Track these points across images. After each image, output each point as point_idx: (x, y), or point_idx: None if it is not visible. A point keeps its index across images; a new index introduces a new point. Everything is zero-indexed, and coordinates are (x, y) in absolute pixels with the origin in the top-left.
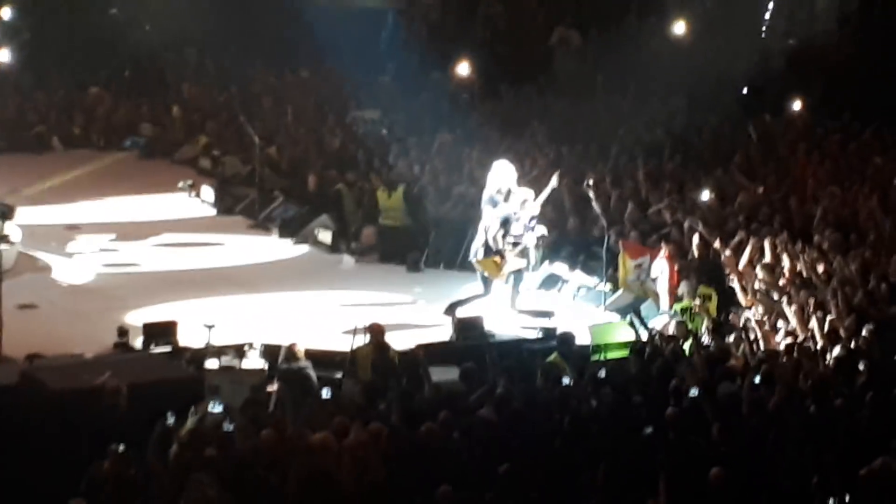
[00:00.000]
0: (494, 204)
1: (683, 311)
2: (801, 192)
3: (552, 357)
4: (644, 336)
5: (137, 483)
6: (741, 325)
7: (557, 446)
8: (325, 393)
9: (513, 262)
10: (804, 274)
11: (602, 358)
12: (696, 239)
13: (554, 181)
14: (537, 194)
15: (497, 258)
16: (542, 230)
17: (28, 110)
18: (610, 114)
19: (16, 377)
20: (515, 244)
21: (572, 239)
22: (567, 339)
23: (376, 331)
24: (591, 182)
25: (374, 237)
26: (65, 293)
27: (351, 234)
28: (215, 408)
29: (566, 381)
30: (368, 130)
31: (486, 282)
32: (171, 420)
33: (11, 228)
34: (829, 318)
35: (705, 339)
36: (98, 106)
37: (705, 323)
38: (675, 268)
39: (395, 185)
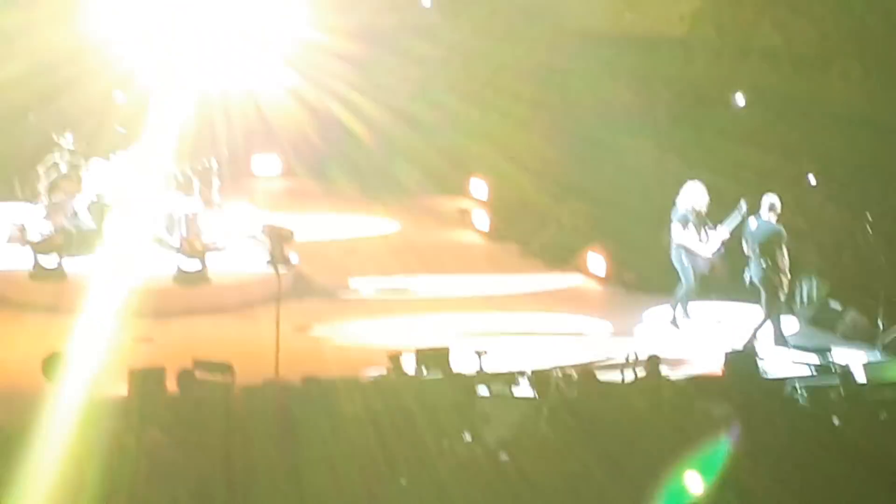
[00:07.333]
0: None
1: None
2: None
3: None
4: None
5: None
6: None
7: None
8: None
9: None
10: None
11: (878, 398)
12: None
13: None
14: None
15: None
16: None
17: None
18: None
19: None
20: None
21: (849, 273)
22: (846, 375)
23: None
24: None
25: None
26: (341, 316)
27: None
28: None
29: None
30: None
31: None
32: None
33: (291, 252)
34: None
35: None
36: None
37: None
38: None
39: None
